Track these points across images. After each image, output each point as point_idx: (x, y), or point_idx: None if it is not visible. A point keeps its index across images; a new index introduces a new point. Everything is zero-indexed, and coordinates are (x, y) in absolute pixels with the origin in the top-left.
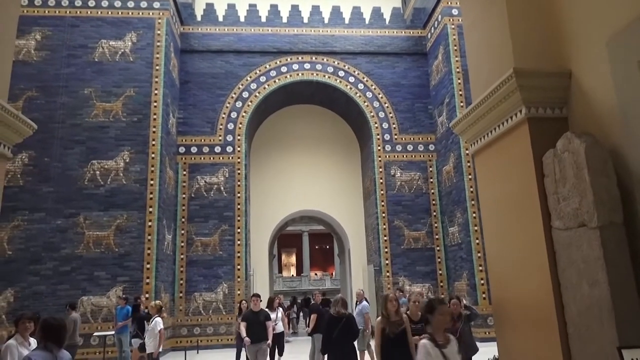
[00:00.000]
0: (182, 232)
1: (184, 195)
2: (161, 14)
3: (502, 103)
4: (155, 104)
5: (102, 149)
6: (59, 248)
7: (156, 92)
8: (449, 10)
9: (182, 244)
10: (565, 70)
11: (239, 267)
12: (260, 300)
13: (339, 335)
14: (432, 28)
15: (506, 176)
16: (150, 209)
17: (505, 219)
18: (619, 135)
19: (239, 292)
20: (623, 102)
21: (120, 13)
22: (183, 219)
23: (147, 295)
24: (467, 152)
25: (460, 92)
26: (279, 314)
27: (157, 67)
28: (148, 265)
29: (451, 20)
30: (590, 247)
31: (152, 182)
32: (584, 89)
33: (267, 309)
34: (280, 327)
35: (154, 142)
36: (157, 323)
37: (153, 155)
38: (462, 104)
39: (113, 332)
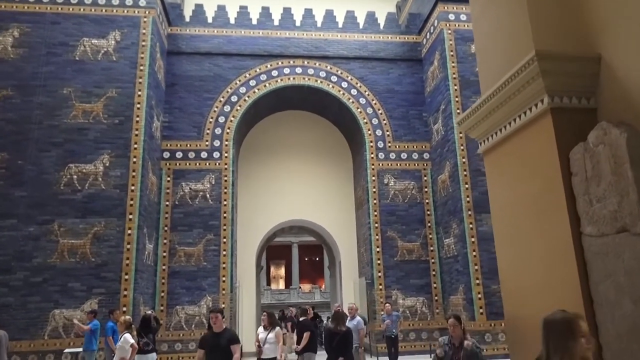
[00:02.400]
0: (165, 241)
1: (167, 203)
2: (147, 12)
3: (521, 92)
4: (138, 105)
5: (81, 152)
6: (31, 257)
7: (140, 93)
8: (445, 15)
9: (164, 254)
10: (594, 55)
11: (224, 279)
12: (223, 318)
13: (335, 349)
14: (428, 34)
15: (524, 176)
16: (131, 217)
17: (522, 224)
18: None
19: (223, 305)
20: None
21: (104, 10)
22: (166, 228)
23: (124, 309)
24: (463, 160)
25: (457, 99)
26: (273, 334)
27: (142, 68)
28: (126, 277)
29: (448, 25)
30: (635, 256)
31: (133, 187)
32: (618, 75)
33: (266, 327)
34: (270, 352)
35: (136, 146)
36: (126, 339)
37: (135, 160)
38: (458, 111)
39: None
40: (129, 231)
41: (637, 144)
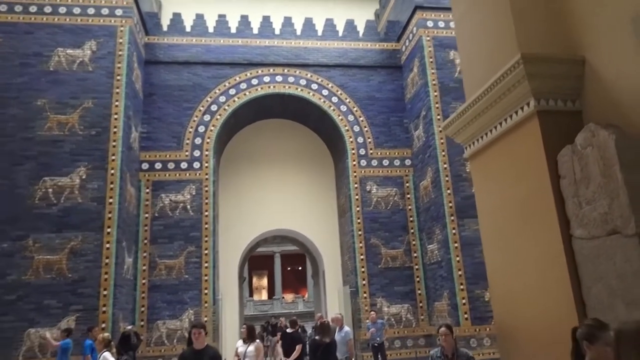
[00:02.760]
0: (144, 254)
1: (146, 215)
2: (124, 21)
3: (507, 95)
4: (115, 116)
5: (56, 164)
6: (4, 274)
7: (117, 103)
8: (423, 22)
9: (144, 268)
10: (578, 57)
11: (206, 291)
12: (206, 333)
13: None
14: (407, 41)
15: (511, 179)
16: (109, 230)
17: (510, 228)
18: None
19: (206, 318)
20: None
21: (79, 20)
22: (145, 241)
23: (103, 325)
24: (445, 166)
25: (437, 105)
26: (252, 347)
27: (119, 78)
28: (105, 292)
29: (426, 32)
30: (627, 258)
31: (111, 200)
32: (602, 77)
33: (245, 340)
34: None
35: (113, 157)
36: (105, 358)
37: (112, 172)
38: (439, 117)
39: None
40: (107, 245)
41: (626, 146)
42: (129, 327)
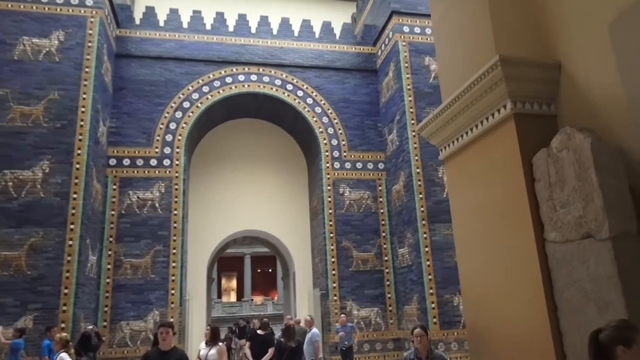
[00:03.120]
0: (110, 252)
1: (113, 212)
2: (94, 12)
3: (484, 97)
4: (83, 109)
5: (18, 157)
6: None
7: (85, 96)
8: (400, 27)
9: (109, 266)
10: (554, 62)
11: (173, 292)
12: (174, 333)
13: None
14: (383, 45)
15: (486, 182)
16: (72, 226)
17: (484, 232)
18: (625, 132)
19: (172, 319)
20: (632, 93)
21: (46, 9)
22: (111, 238)
23: (63, 325)
24: (418, 170)
25: (412, 110)
26: (215, 350)
27: (87, 70)
28: (66, 291)
29: (402, 37)
30: (600, 262)
31: (75, 195)
32: (577, 81)
33: (208, 343)
34: None
35: (79, 152)
36: (62, 359)
37: (78, 166)
38: (413, 122)
39: None
40: (70, 242)
41: (601, 149)
42: (90, 327)
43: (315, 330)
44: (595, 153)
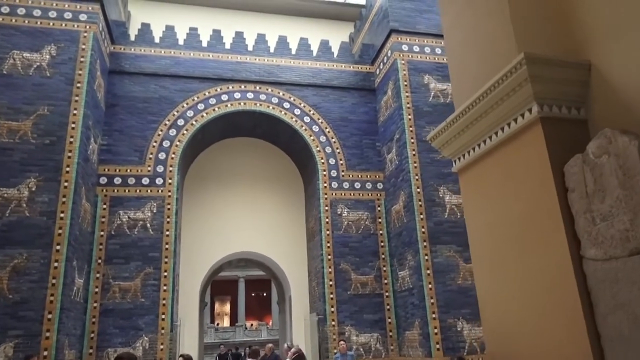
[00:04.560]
0: (97, 275)
1: (102, 233)
2: (88, 27)
3: (505, 101)
4: (73, 125)
5: (3, 174)
6: None
7: (75, 112)
8: (399, 45)
9: (97, 290)
10: (583, 62)
11: (163, 316)
12: None
13: None
14: (381, 64)
15: (509, 194)
16: (58, 247)
17: (507, 249)
18: None
19: (162, 346)
20: None
21: (39, 23)
22: (99, 260)
23: (45, 353)
24: (418, 190)
25: (411, 129)
26: None
27: (79, 85)
28: (50, 316)
29: (401, 55)
30: None
31: (62, 215)
32: (611, 83)
33: None
34: None
35: (68, 169)
36: None
37: (66, 184)
38: (412, 140)
39: None
40: (56, 264)
41: None
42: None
43: None
44: None
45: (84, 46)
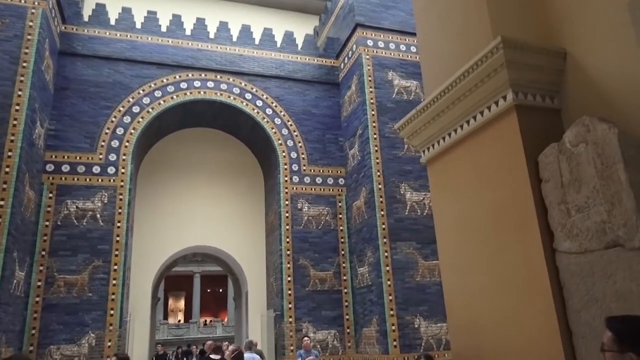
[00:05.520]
0: (41, 268)
1: (47, 223)
2: (36, 3)
3: (479, 88)
4: (17, 107)
5: None
6: None
7: (20, 93)
8: (364, 40)
9: (39, 284)
10: (559, 49)
11: (112, 312)
12: None
13: None
14: (346, 58)
15: (480, 186)
16: None
17: (477, 243)
18: None
19: (109, 343)
20: None
21: None
22: (43, 252)
23: None
24: (379, 186)
25: (374, 124)
26: None
27: (25, 64)
28: None
29: (366, 50)
30: (632, 276)
31: (2, 202)
32: (588, 71)
33: None
34: None
35: (10, 154)
36: None
37: (7, 170)
38: (375, 136)
39: None
40: None
41: (629, 142)
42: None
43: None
44: (623, 146)
45: (31, 23)
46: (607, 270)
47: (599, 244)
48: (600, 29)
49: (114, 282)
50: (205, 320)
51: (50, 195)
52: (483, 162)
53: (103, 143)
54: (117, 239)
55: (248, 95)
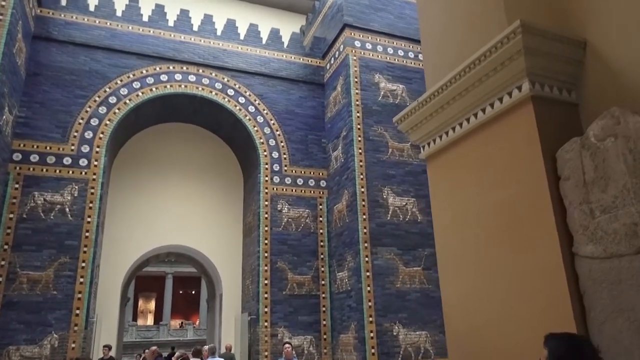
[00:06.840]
0: (2, 263)
1: (11, 215)
2: None
3: (491, 77)
4: None
5: None
6: None
7: None
8: (351, 41)
9: (0, 279)
10: (580, 38)
11: (78, 312)
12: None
13: None
14: (332, 58)
15: (488, 183)
16: None
17: (484, 245)
18: None
19: (74, 345)
20: None
21: None
22: (6, 246)
23: None
24: (362, 190)
25: (359, 126)
26: None
27: None
28: None
29: (353, 51)
30: None
31: None
32: (609, 64)
33: None
34: None
35: None
36: None
37: None
38: (360, 138)
39: None
40: None
41: None
42: None
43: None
44: None
45: (3, 3)
46: (638, 278)
47: (628, 249)
48: (625, 20)
49: (81, 280)
50: (178, 323)
51: (16, 186)
52: (492, 157)
53: (76, 133)
54: (87, 234)
55: (230, 92)
